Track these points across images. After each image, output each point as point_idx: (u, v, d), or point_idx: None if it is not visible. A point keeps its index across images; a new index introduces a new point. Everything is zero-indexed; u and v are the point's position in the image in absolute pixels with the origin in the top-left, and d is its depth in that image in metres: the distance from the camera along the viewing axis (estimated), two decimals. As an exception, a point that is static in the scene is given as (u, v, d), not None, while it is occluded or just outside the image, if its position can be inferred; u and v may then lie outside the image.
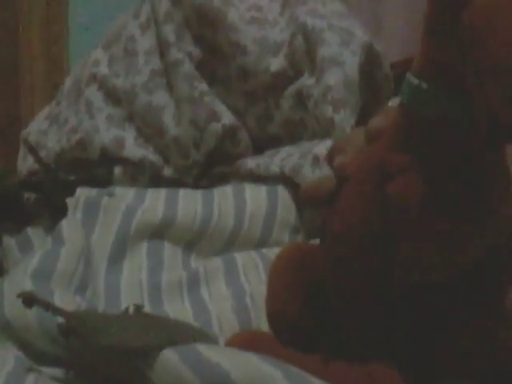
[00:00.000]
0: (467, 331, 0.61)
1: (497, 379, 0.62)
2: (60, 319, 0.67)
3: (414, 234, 0.56)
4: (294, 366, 0.61)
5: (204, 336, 0.69)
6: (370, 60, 1.07)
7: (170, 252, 0.90)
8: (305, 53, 1.05)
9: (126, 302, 0.81)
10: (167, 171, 1.07)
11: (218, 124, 1.05)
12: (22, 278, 0.79)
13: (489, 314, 0.62)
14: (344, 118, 1.00)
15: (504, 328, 0.62)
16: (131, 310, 0.69)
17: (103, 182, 1.07)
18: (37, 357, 0.72)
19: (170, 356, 0.62)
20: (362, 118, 1.03)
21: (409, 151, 0.54)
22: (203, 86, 1.07)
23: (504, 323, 0.62)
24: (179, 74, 1.07)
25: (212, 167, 1.08)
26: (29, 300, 0.66)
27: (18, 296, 0.66)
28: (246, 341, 0.71)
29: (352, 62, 1.03)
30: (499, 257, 0.61)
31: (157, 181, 1.07)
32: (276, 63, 1.07)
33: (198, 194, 0.98)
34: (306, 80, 1.04)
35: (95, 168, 1.10)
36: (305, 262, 0.70)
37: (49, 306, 0.66)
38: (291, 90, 1.07)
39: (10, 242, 0.96)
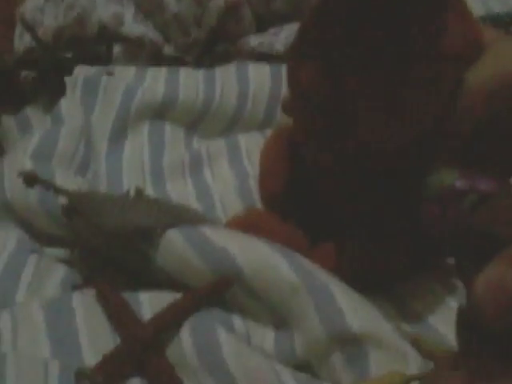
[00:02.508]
0: None
1: None
2: (62, 199, 0.66)
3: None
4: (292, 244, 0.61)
5: (207, 220, 0.68)
6: None
7: (171, 132, 0.89)
8: None
9: (128, 182, 0.81)
10: (167, 49, 1.04)
11: (220, 0, 1.01)
12: (21, 159, 0.78)
13: None
14: None
15: None
16: (132, 192, 0.69)
17: (102, 60, 1.04)
18: (39, 237, 0.72)
19: (174, 236, 0.62)
20: None
21: None
22: None
23: None
24: None
25: (214, 46, 1.05)
26: (30, 179, 0.65)
27: (19, 175, 0.65)
28: (246, 220, 0.71)
29: None
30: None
31: (157, 59, 1.04)
32: None
33: (200, 74, 0.96)
34: None
35: (94, 46, 1.06)
36: (291, 146, 0.72)
37: (50, 186, 0.66)
38: None
39: (8, 121, 0.95)
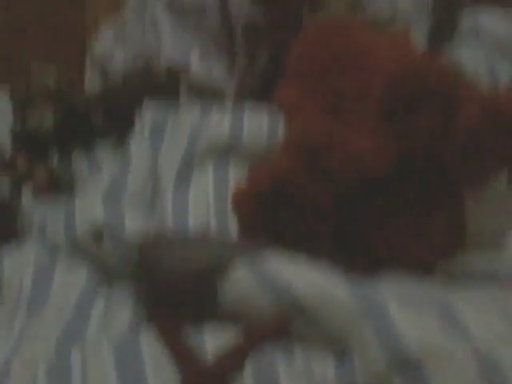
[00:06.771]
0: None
1: None
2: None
3: None
4: None
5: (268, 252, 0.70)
6: None
7: (236, 170, 0.90)
8: None
9: (194, 220, 0.82)
10: (228, 94, 1.06)
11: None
12: (93, 201, 0.80)
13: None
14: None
15: None
16: (198, 230, 0.71)
17: (170, 99, 1.07)
18: (108, 274, 0.75)
19: (239, 273, 0.64)
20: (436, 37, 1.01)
21: None
22: None
23: None
24: None
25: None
26: (98, 236, 0.68)
27: (88, 233, 0.68)
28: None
29: None
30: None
31: (220, 100, 1.07)
32: None
33: (264, 113, 0.97)
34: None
35: (162, 85, 1.09)
36: None
37: (118, 239, 0.69)
38: None
39: (79, 160, 0.98)
